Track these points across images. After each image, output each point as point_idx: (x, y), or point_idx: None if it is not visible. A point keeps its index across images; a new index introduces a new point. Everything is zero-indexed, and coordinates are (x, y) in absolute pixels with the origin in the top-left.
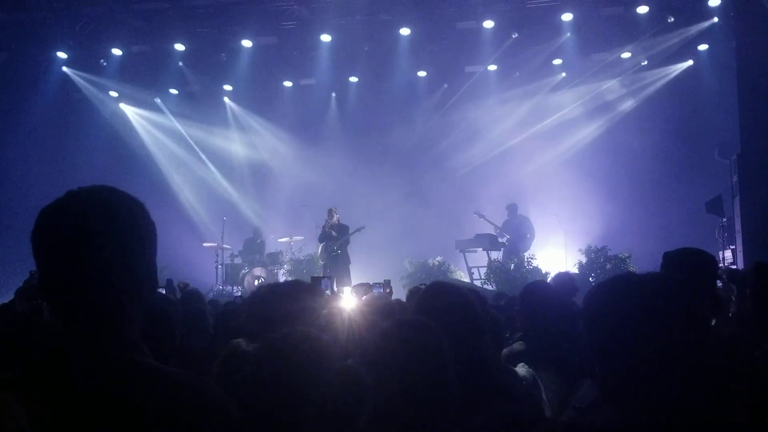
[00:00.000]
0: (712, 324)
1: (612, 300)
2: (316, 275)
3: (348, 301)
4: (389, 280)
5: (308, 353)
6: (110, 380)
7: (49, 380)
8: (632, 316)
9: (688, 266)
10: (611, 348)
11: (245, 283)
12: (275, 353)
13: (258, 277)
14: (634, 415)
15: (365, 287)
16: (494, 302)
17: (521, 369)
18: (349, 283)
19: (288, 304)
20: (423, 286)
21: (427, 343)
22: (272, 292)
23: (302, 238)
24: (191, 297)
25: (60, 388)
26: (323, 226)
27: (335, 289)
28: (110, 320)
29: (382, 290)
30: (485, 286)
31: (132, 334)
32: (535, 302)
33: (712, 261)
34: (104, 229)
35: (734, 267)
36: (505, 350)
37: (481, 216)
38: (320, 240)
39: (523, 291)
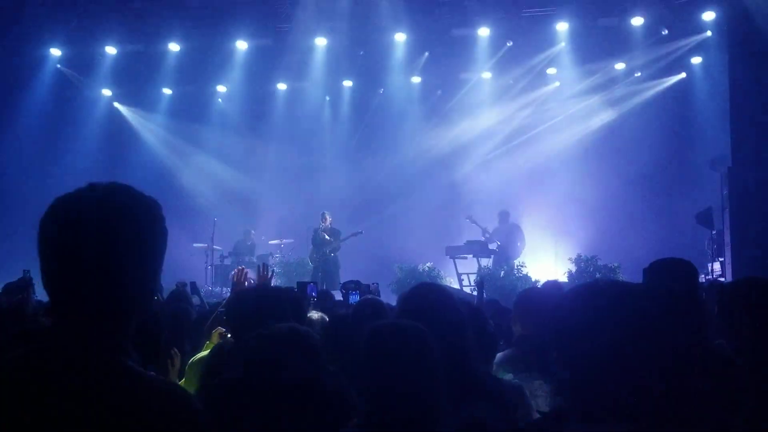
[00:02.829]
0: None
1: (582, 306)
2: (302, 280)
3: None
4: (377, 284)
5: (300, 345)
6: (94, 383)
7: (28, 377)
8: (600, 322)
9: (670, 276)
10: (581, 354)
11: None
12: (268, 344)
13: (247, 279)
14: (604, 426)
15: (355, 285)
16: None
17: (507, 376)
18: (338, 287)
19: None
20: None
21: (408, 346)
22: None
23: (292, 240)
24: (177, 297)
25: (39, 386)
26: (316, 230)
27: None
28: (108, 323)
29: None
30: (474, 293)
31: (124, 338)
32: (529, 309)
33: (693, 270)
34: (123, 228)
35: (722, 279)
36: (498, 355)
37: (474, 221)
38: (313, 243)
39: (517, 298)
